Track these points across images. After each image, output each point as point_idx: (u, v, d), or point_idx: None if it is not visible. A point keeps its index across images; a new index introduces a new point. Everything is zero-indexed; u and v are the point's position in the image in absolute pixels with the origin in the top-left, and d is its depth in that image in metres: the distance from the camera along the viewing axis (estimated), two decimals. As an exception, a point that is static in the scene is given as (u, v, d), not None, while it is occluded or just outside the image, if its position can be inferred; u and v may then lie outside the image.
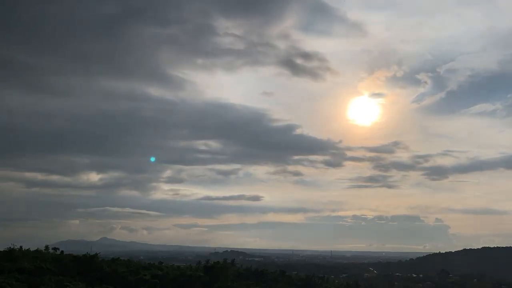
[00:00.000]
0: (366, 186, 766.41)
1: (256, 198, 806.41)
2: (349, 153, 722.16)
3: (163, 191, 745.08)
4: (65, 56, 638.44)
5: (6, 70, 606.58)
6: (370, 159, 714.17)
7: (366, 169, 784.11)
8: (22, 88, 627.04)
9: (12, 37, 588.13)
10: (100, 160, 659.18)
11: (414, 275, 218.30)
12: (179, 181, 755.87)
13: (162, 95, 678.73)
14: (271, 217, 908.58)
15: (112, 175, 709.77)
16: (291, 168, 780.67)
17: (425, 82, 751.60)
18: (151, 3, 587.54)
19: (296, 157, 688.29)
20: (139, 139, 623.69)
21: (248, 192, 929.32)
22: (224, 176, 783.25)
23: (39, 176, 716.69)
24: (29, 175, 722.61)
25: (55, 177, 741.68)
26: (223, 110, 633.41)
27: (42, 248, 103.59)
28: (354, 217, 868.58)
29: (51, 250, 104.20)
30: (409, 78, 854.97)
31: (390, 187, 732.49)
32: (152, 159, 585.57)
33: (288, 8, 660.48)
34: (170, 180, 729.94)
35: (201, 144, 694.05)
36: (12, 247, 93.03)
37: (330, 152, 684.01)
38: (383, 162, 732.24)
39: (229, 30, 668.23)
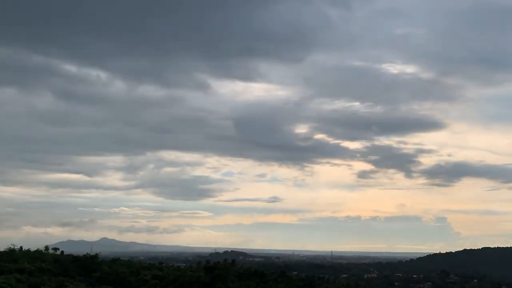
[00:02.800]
0: (374, 187, 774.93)
1: (274, 199, 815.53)
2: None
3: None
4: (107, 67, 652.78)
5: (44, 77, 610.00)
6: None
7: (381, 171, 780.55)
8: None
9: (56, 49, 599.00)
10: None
11: (415, 276, 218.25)
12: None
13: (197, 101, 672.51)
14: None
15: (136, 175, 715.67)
16: (310, 170, 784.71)
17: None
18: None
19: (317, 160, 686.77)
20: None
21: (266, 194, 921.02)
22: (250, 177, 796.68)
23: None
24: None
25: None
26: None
27: (42, 248, 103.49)
28: (357, 217, 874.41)
29: (51, 251, 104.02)
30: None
31: (394, 188, 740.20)
32: None
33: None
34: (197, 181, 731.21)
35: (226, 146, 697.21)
36: (12, 247, 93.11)
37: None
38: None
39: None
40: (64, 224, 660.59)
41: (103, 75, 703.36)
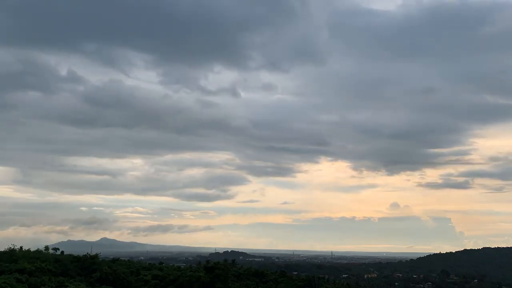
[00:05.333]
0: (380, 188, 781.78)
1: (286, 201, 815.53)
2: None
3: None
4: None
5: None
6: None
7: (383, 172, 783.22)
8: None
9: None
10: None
11: (415, 276, 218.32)
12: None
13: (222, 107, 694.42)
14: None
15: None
16: (322, 172, 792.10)
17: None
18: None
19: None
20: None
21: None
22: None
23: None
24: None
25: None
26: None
27: (42, 248, 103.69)
28: (358, 218, 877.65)
29: (51, 251, 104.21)
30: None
31: (399, 189, 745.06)
32: None
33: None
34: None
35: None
36: (12, 247, 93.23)
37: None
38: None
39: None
40: (82, 225, 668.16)
41: (139, 83, 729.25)
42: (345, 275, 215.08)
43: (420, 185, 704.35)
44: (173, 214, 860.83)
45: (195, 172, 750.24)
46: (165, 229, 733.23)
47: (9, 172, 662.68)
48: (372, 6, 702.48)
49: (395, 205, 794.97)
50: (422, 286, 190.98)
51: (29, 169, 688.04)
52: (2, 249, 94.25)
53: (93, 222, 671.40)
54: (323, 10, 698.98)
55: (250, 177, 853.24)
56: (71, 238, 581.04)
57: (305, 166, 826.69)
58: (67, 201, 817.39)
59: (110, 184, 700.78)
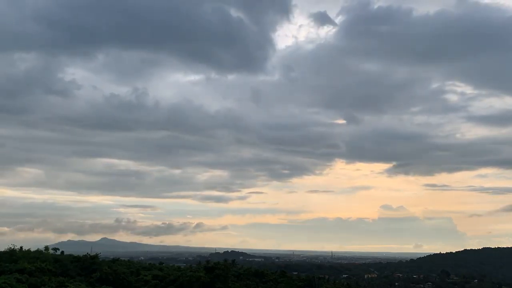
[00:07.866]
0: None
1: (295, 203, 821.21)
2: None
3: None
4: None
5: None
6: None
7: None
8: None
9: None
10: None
11: (415, 276, 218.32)
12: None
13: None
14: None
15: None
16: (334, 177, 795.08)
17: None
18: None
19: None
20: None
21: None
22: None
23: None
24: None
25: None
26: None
27: (42, 248, 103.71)
28: (358, 218, 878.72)
29: (51, 251, 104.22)
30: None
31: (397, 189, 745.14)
32: None
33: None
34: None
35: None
36: (12, 247, 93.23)
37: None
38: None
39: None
40: (97, 226, 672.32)
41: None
42: (345, 275, 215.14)
43: (424, 185, 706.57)
44: (179, 215, 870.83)
45: (208, 175, 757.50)
46: (168, 230, 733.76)
47: (30, 174, 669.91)
48: (389, 10, 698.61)
49: (396, 206, 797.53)
50: (422, 286, 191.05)
51: (50, 170, 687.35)
52: (2, 249, 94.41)
53: (107, 223, 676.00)
54: (337, 15, 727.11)
55: (265, 179, 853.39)
56: (86, 239, 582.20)
57: (319, 168, 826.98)
58: (84, 202, 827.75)
59: (125, 185, 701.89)
